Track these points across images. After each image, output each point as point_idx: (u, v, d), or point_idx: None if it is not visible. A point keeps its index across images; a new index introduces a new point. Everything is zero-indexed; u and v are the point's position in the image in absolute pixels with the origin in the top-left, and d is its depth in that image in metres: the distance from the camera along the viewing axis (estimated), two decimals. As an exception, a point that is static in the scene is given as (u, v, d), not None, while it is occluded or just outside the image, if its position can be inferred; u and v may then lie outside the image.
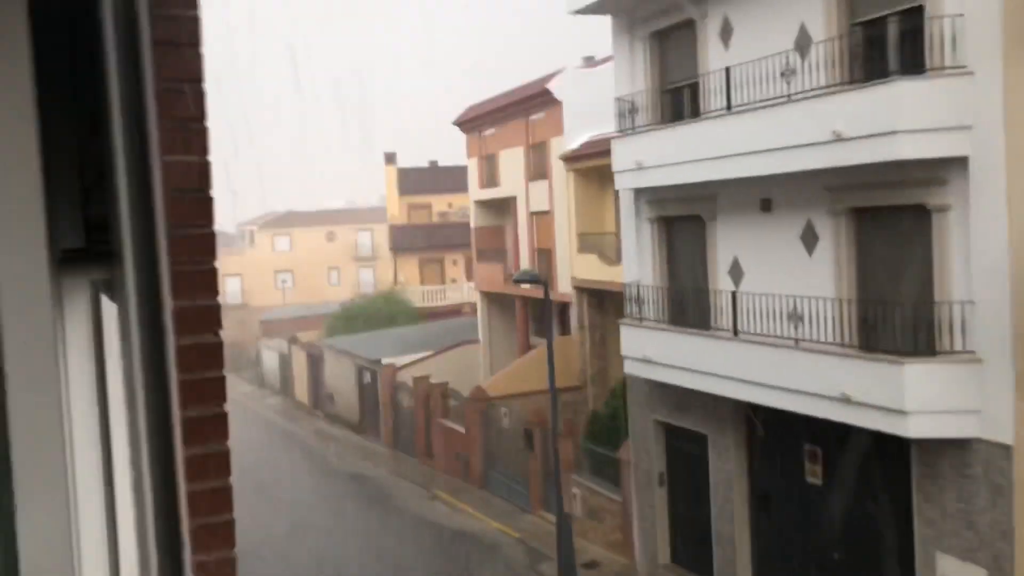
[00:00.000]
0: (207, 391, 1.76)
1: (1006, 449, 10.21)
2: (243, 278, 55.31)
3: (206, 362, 1.76)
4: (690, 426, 15.45)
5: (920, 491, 11.37)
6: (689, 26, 14.67)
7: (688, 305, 15.06)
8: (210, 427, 1.75)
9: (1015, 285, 9.91)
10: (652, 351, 15.00)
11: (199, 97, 1.79)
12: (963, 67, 10.23)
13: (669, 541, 16.52)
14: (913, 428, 10.56)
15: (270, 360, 41.98)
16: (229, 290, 54.47)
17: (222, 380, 1.82)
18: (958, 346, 10.54)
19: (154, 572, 1.38)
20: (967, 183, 10.40)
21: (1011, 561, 10.24)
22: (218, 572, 1.73)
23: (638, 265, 16.21)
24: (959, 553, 10.87)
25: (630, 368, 15.87)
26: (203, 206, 1.80)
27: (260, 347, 44.52)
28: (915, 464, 11.38)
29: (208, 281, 1.81)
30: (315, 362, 35.25)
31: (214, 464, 1.75)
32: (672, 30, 15.21)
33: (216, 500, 1.74)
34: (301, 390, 37.06)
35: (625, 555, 17.34)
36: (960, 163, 10.42)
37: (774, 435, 14.02)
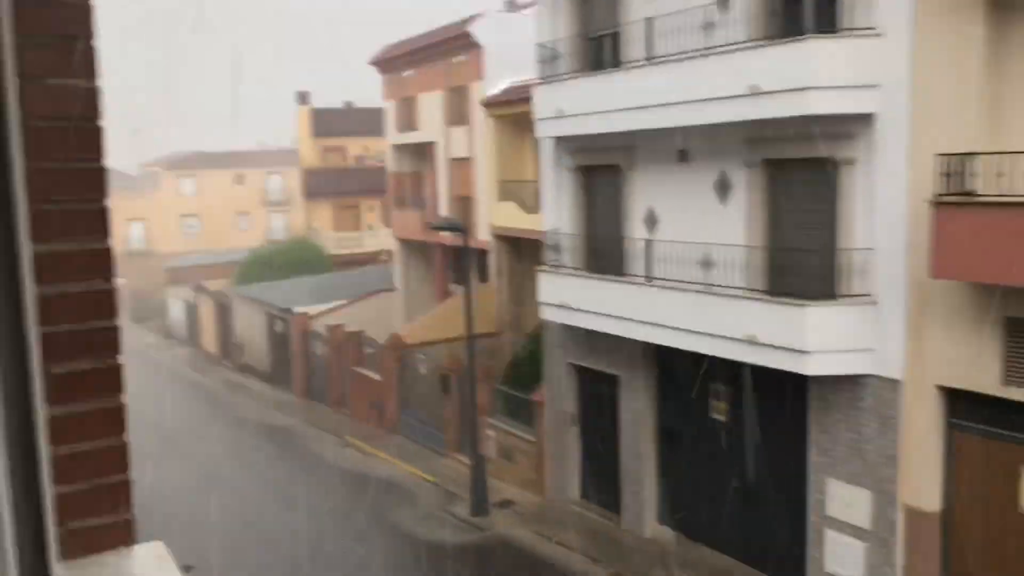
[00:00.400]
0: (98, 342, 1.61)
1: (895, 383, 11.00)
2: (147, 223, 52.83)
3: (97, 310, 1.61)
4: (603, 368, 15.82)
5: (816, 423, 12.09)
6: (611, -29, 14.51)
7: (605, 253, 15.25)
8: (102, 380, 1.61)
9: (912, 234, 10.50)
10: (569, 297, 15.18)
11: (85, 12, 1.59)
12: (873, 28, 10.54)
13: (580, 478, 17.03)
14: (812, 366, 11.20)
15: (176, 309, 40.47)
16: (132, 235, 51.99)
17: (116, 330, 1.67)
18: (858, 290, 11.10)
19: (9, 540, 1.26)
20: (873, 138, 10.82)
21: (894, 484, 11.20)
22: (115, 535, 1.61)
23: (557, 213, 16.26)
24: (848, 478, 11.72)
25: (547, 314, 16.04)
26: (90, 137, 1.61)
27: (166, 296, 42.82)
28: (812, 399, 12.07)
29: (98, 221, 1.64)
30: (224, 311, 34.19)
31: (107, 420, 1.61)
32: (594, -25, 15.02)
33: (110, 459, 1.61)
34: (209, 340, 35.96)
35: (538, 493, 17.78)
36: (867, 119, 10.82)
37: (683, 375, 14.51)
